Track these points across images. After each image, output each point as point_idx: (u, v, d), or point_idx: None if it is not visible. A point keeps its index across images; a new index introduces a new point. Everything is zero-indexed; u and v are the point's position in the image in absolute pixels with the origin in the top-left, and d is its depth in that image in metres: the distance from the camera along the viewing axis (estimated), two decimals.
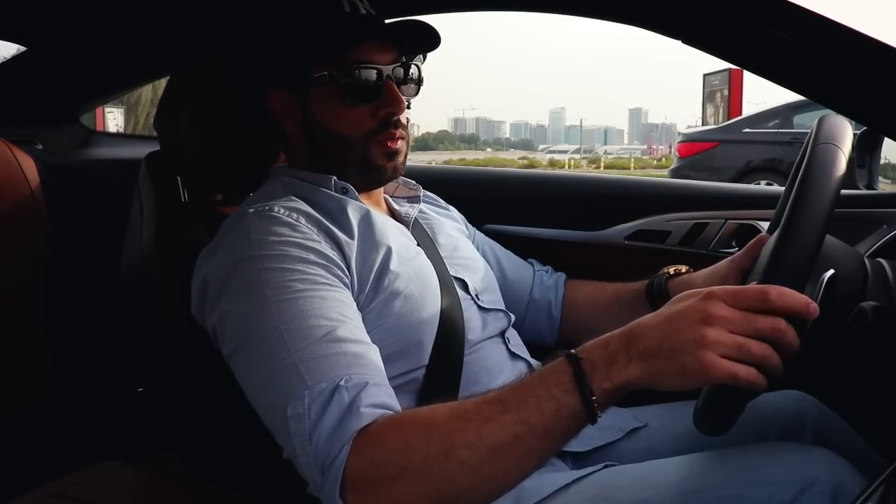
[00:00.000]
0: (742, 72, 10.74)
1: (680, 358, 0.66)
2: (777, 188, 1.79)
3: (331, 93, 0.99)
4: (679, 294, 0.73)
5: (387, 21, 1.01)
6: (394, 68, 0.99)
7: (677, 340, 0.67)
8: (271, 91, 1.04)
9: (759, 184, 5.98)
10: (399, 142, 1.01)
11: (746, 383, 0.66)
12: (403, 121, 1.01)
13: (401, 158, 1.02)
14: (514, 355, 1.06)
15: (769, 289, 0.67)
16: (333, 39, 0.98)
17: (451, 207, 1.25)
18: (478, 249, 1.21)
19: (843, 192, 0.77)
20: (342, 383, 0.75)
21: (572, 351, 0.71)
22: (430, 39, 1.01)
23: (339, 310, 0.83)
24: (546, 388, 0.70)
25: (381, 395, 0.76)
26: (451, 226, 1.18)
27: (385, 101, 0.98)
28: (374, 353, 0.82)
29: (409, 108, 1.07)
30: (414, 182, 1.16)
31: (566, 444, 0.74)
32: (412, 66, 1.03)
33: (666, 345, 0.67)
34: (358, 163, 1.01)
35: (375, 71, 0.98)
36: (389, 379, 0.82)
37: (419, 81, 1.05)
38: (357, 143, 1.00)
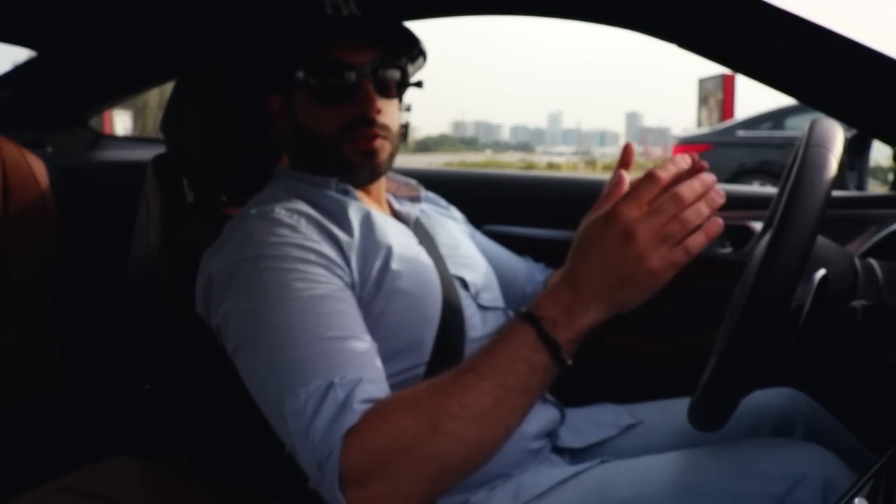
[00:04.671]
0: (735, 76, 10.74)
1: (631, 281, 0.71)
2: (770, 189, 1.80)
3: (309, 94, 1.00)
4: (583, 232, 0.75)
5: (363, 22, 1.01)
6: (372, 68, 0.99)
7: (621, 270, 0.71)
8: (269, 93, 1.06)
9: (752, 185, 5.98)
10: (376, 141, 1.00)
11: (688, 258, 0.70)
12: (381, 121, 1.00)
13: (381, 157, 1.02)
14: None
15: (651, 172, 0.72)
16: (302, 40, 1.00)
17: (452, 207, 1.26)
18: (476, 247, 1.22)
19: (834, 193, 0.78)
20: (337, 380, 0.76)
21: (525, 310, 0.75)
22: (405, 38, 1.01)
23: (338, 308, 0.84)
24: (514, 349, 0.73)
25: (374, 391, 0.77)
26: (451, 225, 1.18)
27: (357, 100, 0.99)
28: (371, 350, 0.82)
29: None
30: (415, 182, 1.17)
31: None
32: (400, 66, 1.03)
33: (612, 278, 0.71)
34: (333, 162, 1.01)
35: (349, 70, 0.98)
36: (391, 376, 0.84)
37: (407, 82, 1.05)
38: (330, 141, 1.00)
